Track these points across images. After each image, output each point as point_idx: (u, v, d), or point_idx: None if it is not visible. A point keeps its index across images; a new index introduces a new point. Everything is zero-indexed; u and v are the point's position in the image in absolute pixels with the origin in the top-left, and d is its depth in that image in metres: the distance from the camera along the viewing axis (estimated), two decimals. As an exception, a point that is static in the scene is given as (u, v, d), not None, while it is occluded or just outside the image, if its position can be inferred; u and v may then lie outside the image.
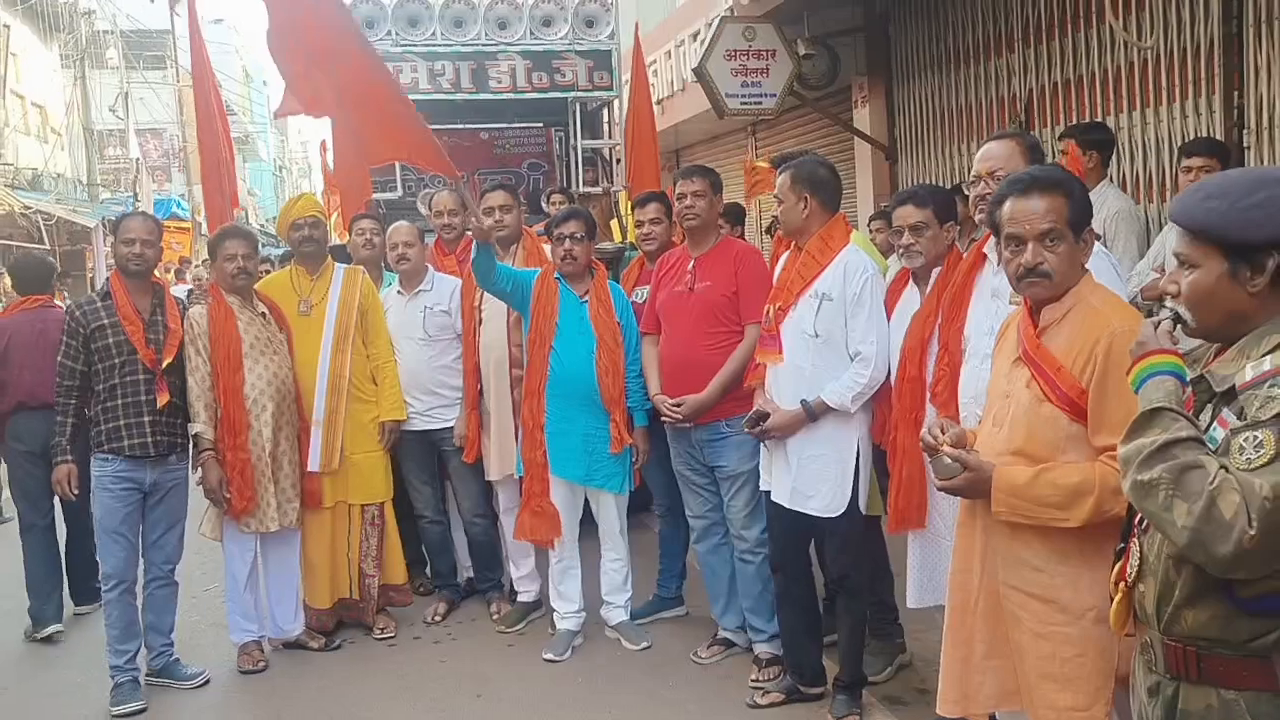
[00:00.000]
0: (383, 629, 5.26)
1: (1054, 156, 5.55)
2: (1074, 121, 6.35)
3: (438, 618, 5.42)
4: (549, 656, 4.85)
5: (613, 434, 4.78)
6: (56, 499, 5.19)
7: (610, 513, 4.95)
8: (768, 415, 3.95)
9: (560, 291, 4.84)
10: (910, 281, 3.88)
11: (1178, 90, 5.52)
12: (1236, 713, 1.81)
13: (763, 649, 4.53)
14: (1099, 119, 5.94)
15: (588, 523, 5.05)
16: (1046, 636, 2.42)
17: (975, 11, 7.19)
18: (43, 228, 18.31)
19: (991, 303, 3.26)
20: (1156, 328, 1.99)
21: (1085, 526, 2.35)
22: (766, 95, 8.08)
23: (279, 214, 5.64)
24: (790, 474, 3.96)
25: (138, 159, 26.38)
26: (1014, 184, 2.53)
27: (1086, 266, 2.56)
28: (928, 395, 3.52)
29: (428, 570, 5.82)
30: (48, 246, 18.91)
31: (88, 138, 23.30)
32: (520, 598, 5.38)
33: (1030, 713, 2.52)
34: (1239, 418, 1.79)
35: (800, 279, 3.91)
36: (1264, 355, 1.81)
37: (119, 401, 4.59)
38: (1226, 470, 1.73)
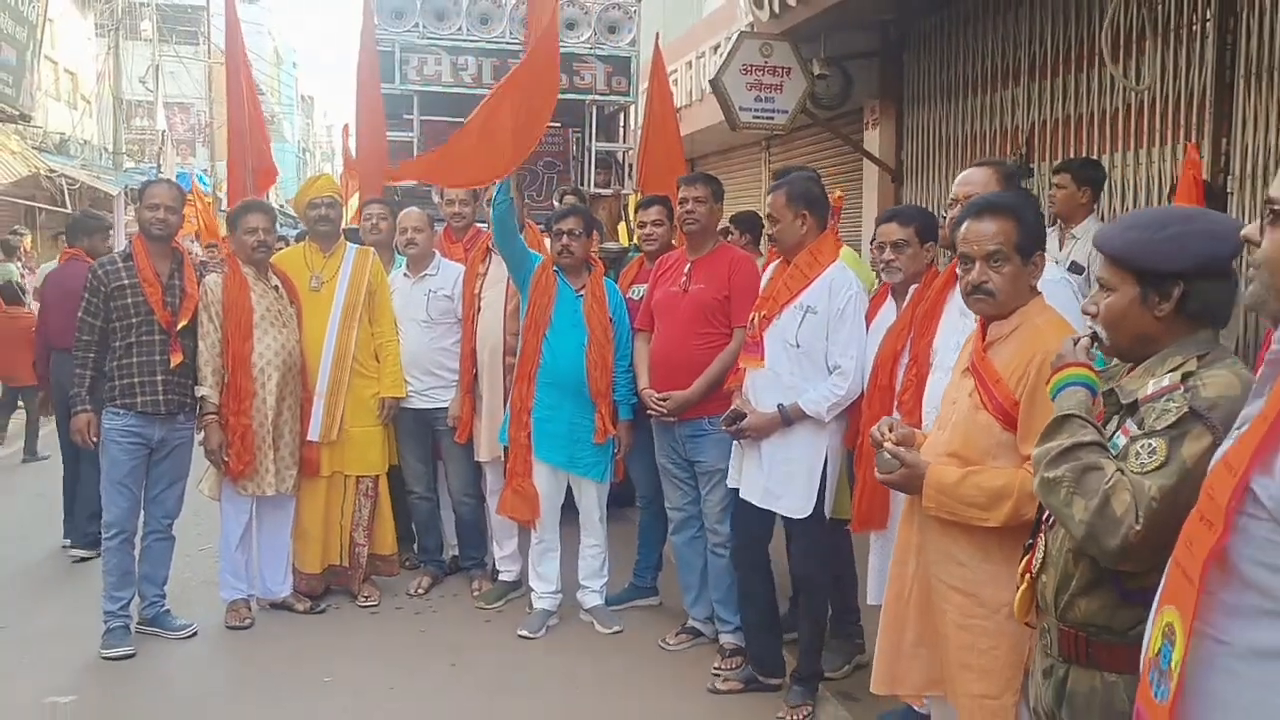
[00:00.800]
0: (367, 597, 5.47)
1: (1049, 188, 5.76)
2: (1071, 156, 6.53)
3: (421, 590, 5.62)
4: (523, 633, 5.05)
5: (597, 424, 4.99)
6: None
7: (590, 500, 5.15)
8: (744, 415, 4.14)
9: (558, 283, 5.04)
10: (890, 296, 4.07)
11: (1169, 134, 5.70)
12: (1116, 694, 2.02)
13: (728, 639, 4.73)
14: (1094, 156, 6.12)
15: (570, 509, 5.24)
16: (967, 628, 2.62)
17: (985, 44, 7.36)
18: (66, 191, 18.57)
19: (960, 319, 3.43)
20: (1076, 344, 2.20)
21: (1006, 527, 2.54)
22: (779, 111, 8.21)
23: (298, 193, 5.84)
24: (763, 474, 4.15)
25: (163, 131, 26.64)
26: (971, 207, 2.74)
27: (1039, 289, 2.76)
28: (894, 401, 3.71)
29: (415, 546, 6.01)
30: (69, 209, 19.22)
31: (116, 107, 23.56)
32: (501, 576, 5.58)
33: (950, 699, 2.73)
34: (1139, 427, 2.00)
35: (787, 290, 4.11)
36: (1166, 374, 2.02)
37: (134, 359, 4.80)
38: (1122, 472, 1.93)
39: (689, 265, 4.76)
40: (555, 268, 5.06)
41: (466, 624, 5.25)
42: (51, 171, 18.16)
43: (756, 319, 4.18)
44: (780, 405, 4.07)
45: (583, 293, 5.05)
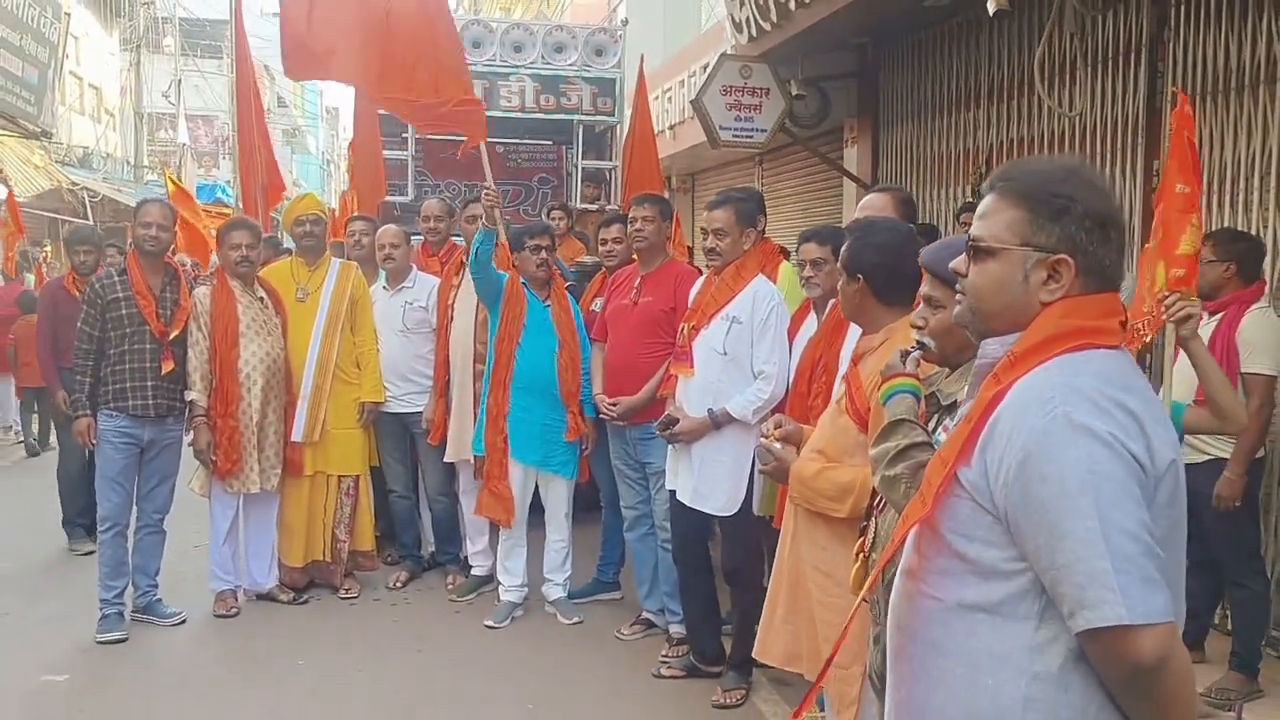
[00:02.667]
0: (347, 589, 5.82)
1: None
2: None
3: (398, 584, 5.97)
4: (489, 623, 5.39)
5: (569, 423, 5.34)
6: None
7: (558, 496, 5.49)
8: (677, 420, 4.47)
9: (527, 296, 5.39)
10: (812, 310, 4.38)
11: (1108, 155, 6.01)
12: None
13: (676, 629, 5.07)
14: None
15: (537, 509, 5.57)
16: (826, 605, 2.96)
17: (951, 67, 7.66)
18: (88, 204, 19.11)
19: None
20: (905, 356, 2.55)
21: (855, 517, 2.88)
22: (758, 130, 8.51)
23: (285, 211, 6.21)
24: (693, 475, 4.48)
25: (184, 144, 27.21)
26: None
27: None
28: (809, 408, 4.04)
29: (396, 542, 6.34)
30: (91, 222, 19.76)
31: (138, 120, 24.14)
32: (474, 571, 5.93)
33: (810, 673, 3.07)
34: (955, 425, 2.33)
35: (714, 303, 4.44)
36: None
37: (126, 366, 5.17)
38: None
39: (639, 280, 5.10)
40: (522, 280, 5.39)
41: (437, 615, 5.60)
42: (74, 185, 18.73)
43: (686, 329, 4.52)
44: (710, 410, 4.39)
45: (549, 303, 5.40)
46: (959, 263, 1.86)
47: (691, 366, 4.47)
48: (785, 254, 5.47)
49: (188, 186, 25.98)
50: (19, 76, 15.69)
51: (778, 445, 3.11)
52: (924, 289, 2.54)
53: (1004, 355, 1.77)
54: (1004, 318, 1.81)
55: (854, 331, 3.80)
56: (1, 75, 15.04)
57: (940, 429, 2.40)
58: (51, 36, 16.64)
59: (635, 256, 5.28)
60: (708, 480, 4.45)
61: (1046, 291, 1.75)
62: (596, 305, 5.58)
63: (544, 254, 5.40)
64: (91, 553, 6.14)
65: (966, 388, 2.36)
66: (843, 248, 3.07)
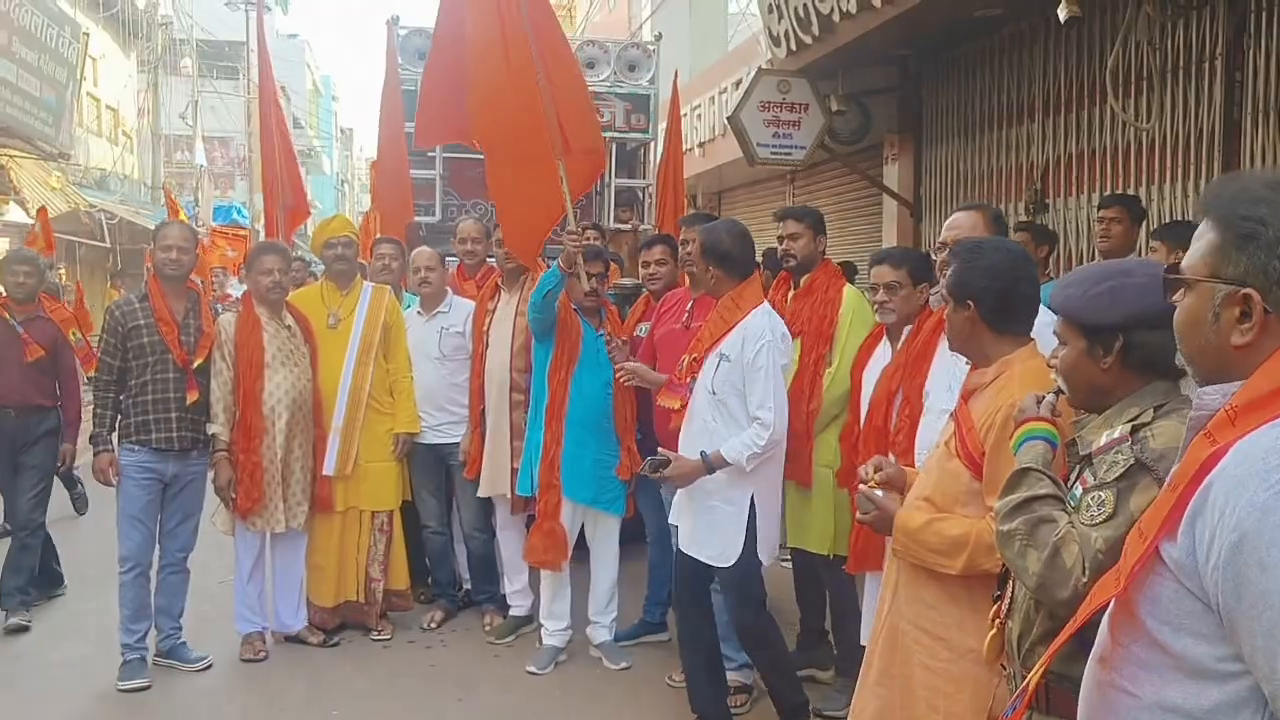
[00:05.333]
0: (380, 630, 5.54)
1: (1087, 224, 5.69)
2: (1085, 193, 6.55)
3: (433, 624, 5.69)
4: (531, 669, 5.10)
5: (624, 459, 5.09)
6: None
7: (607, 535, 5.22)
8: (669, 462, 4.14)
9: (582, 325, 5.12)
10: (885, 337, 4.12)
11: (1180, 171, 5.71)
12: None
13: (733, 676, 4.72)
14: (1110, 192, 6.12)
15: (580, 545, 5.29)
16: (934, 670, 2.65)
17: (1000, 80, 7.41)
18: (105, 226, 18.96)
19: (951, 361, 3.46)
20: (1040, 400, 2.25)
21: (969, 575, 2.57)
22: (797, 147, 8.31)
23: (314, 232, 5.97)
24: (691, 519, 4.19)
25: (200, 165, 27.14)
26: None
27: (1032, 336, 2.78)
28: (888, 443, 3.75)
29: (429, 580, 6.08)
30: (109, 245, 19.62)
31: (155, 142, 24.06)
32: (512, 611, 5.64)
33: None
34: (1094, 479, 2.04)
35: (709, 336, 4.15)
36: (1120, 425, 2.05)
37: (149, 397, 4.93)
38: (1073, 525, 1.97)
39: (691, 303, 4.83)
40: (575, 308, 5.12)
41: (476, 659, 5.31)
42: (91, 206, 18.56)
43: (686, 362, 4.22)
44: (703, 452, 4.06)
45: (603, 332, 5.14)
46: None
47: (681, 400, 4.19)
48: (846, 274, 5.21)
49: (204, 209, 26.06)
50: (37, 97, 15.54)
51: (879, 493, 2.80)
52: (1054, 327, 2.25)
53: (1222, 408, 1.47)
54: (1204, 363, 1.55)
55: (941, 363, 3.57)
56: (19, 96, 14.88)
57: (1079, 483, 2.10)
58: (70, 57, 16.51)
59: (686, 279, 5.00)
60: (703, 528, 4.14)
61: (1238, 333, 1.48)
62: (642, 330, 5.32)
63: (594, 281, 5.12)
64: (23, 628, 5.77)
65: (1104, 436, 2.08)
66: (950, 271, 2.77)
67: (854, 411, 4.24)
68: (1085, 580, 1.90)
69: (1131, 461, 1.94)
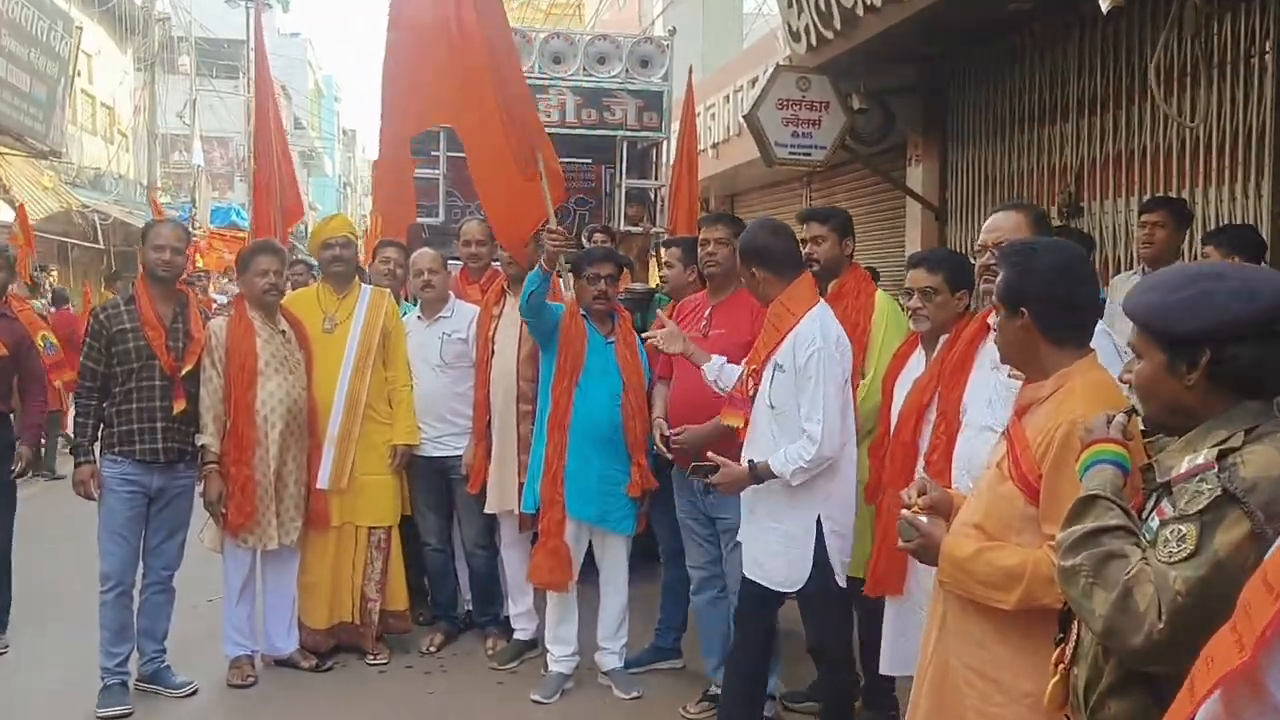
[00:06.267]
0: (376, 654, 5.37)
1: (1125, 229, 5.53)
2: (1123, 196, 6.38)
3: (433, 648, 5.53)
4: (536, 698, 4.93)
5: (634, 476, 4.89)
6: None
7: (615, 555, 5.04)
8: (717, 468, 3.96)
9: (588, 331, 4.96)
10: (919, 345, 3.95)
11: (1227, 172, 5.53)
12: None
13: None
14: (1147, 195, 5.96)
15: (588, 566, 5.13)
16: (987, 716, 2.45)
17: (1032, 79, 7.26)
18: (99, 227, 18.84)
19: (991, 374, 3.31)
20: (1111, 420, 2.06)
21: (1026, 610, 2.38)
22: (817, 147, 8.17)
23: (311, 232, 5.81)
24: (753, 543, 4.01)
25: (199, 165, 27.06)
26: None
27: (1093, 346, 2.59)
28: (920, 462, 3.58)
29: (429, 600, 5.91)
30: (102, 246, 19.51)
31: (151, 141, 23.97)
32: (516, 635, 5.48)
33: None
34: (1173, 509, 1.84)
35: (765, 346, 3.97)
36: (1205, 449, 1.86)
37: (134, 405, 4.78)
38: (1147, 561, 1.78)
39: (709, 310, 4.67)
40: (582, 313, 4.98)
41: (479, 686, 5.13)
42: (84, 207, 18.44)
43: (745, 372, 4.05)
44: (751, 461, 3.90)
45: (613, 339, 4.98)
46: None
47: (744, 417, 4.00)
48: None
49: (201, 211, 25.97)
50: (26, 92, 15.42)
51: (923, 519, 2.60)
52: (1130, 337, 2.05)
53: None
54: None
55: (980, 375, 3.39)
56: (7, 90, 14.75)
57: (1155, 513, 1.91)
58: (62, 51, 16.40)
59: (706, 283, 4.84)
60: (765, 549, 3.96)
61: None
62: (661, 338, 5.11)
63: (604, 284, 4.96)
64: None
65: (1186, 461, 1.89)
66: (1002, 276, 2.58)
67: (883, 424, 4.07)
68: (1161, 627, 1.71)
69: (1218, 492, 1.74)
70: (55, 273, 15.29)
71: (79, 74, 19.03)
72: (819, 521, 3.87)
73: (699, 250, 4.71)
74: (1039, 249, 2.58)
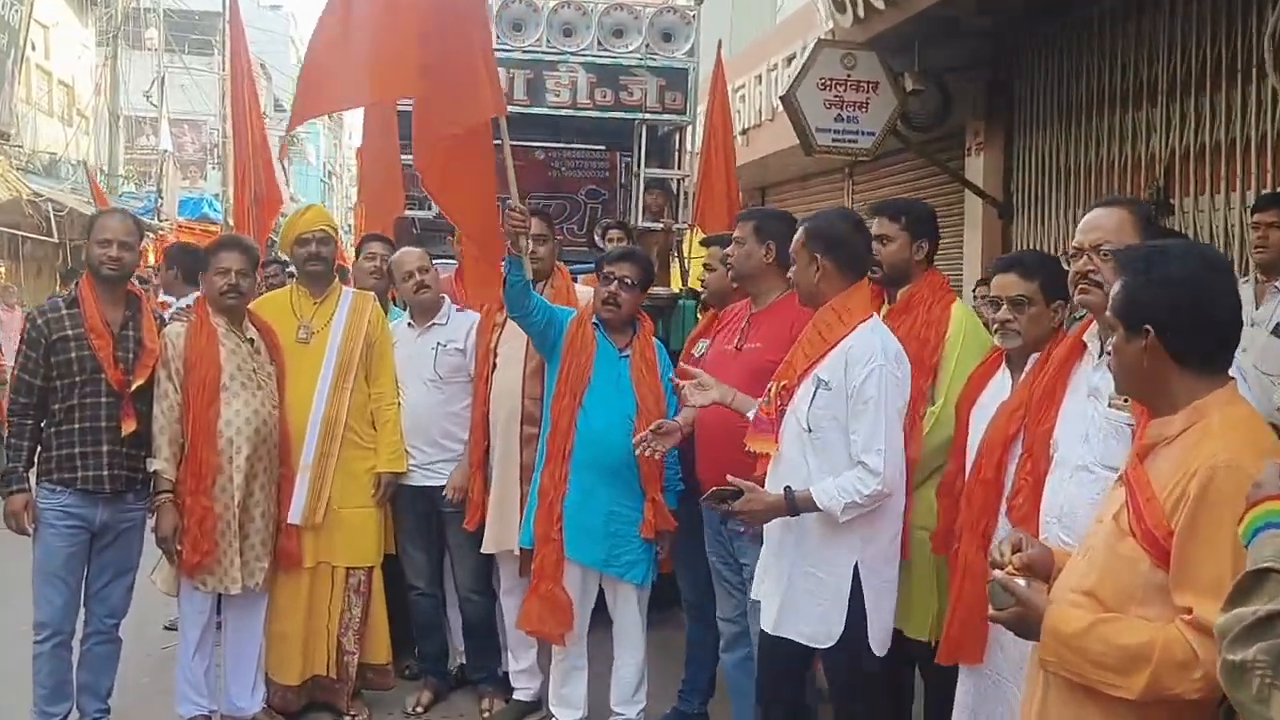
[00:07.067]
0: (354, 715, 5.24)
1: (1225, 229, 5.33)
2: (1222, 192, 6.19)
3: (419, 708, 5.40)
4: (540, 770, 4.78)
5: (646, 516, 4.72)
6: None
7: (629, 607, 4.87)
8: (740, 493, 3.73)
9: (598, 341, 4.80)
10: (1004, 364, 3.76)
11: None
12: None
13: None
14: (1259, 191, 5.76)
15: (599, 614, 4.98)
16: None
17: (1113, 57, 7.17)
18: (53, 218, 18.74)
19: (1087, 403, 3.13)
20: None
21: (1152, 701, 2.16)
22: (863, 133, 8.10)
23: (284, 226, 5.72)
24: (780, 588, 3.77)
25: (165, 150, 27.06)
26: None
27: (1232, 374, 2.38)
28: (1002, 505, 3.40)
29: (415, 652, 5.77)
30: (56, 239, 19.40)
31: (114, 124, 23.97)
32: (516, 695, 5.33)
33: None
34: None
35: (805, 357, 3.76)
36: None
37: (75, 426, 4.62)
38: None
39: (747, 319, 4.49)
40: (595, 320, 4.82)
41: (472, 755, 4.98)
42: (36, 195, 18.36)
43: (774, 390, 3.82)
44: (788, 488, 3.67)
45: (628, 353, 4.82)
46: None
47: (776, 441, 3.78)
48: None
49: (168, 202, 25.94)
50: (-31, 66, 15.35)
51: (1020, 582, 2.35)
52: None
53: None
54: None
55: (1074, 405, 3.19)
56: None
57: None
58: (12, 20, 16.30)
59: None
60: (797, 596, 3.73)
61: None
62: (700, 349, 4.92)
63: (615, 286, 4.79)
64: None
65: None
66: (1119, 286, 2.34)
67: (957, 458, 3.86)
68: None
69: None
70: (3, 270, 15.17)
71: (32, 47, 18.96)
72: (856, 570, 3.67)
73: (736, 247, 4.50)
74: (1169, 254, 2.35)
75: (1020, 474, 3.30)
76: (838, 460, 3.65)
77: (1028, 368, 3.57)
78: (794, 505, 3.64)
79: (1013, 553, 2.45)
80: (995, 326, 3.70)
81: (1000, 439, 3.48)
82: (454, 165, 4.90)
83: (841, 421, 3.64)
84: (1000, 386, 3.71)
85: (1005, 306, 3.61)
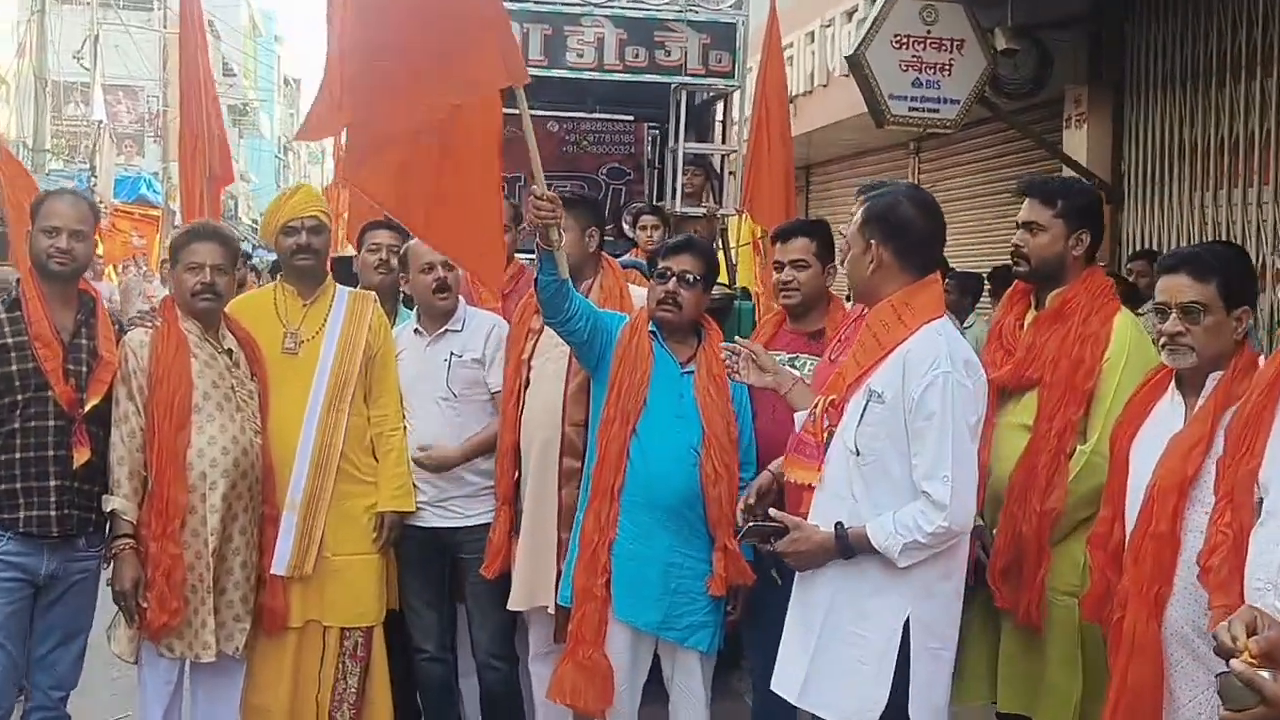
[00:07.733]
0: (348, 807, 5.22)
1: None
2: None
3: (428, 800, 5.37)
4: None
5: (715, 568, 4.62)
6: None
7: (690, 680, 4.77)
8: (785, 531, 3.68)
9: (655, 354, 4.70)
10: (1171, 387, 3.61)
11: None
12: None
13: None
14: None
15: (651, 683, 4.89)
16: None
17: (1243, 12, 7.18)
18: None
19: None
20: None
21: None
22: (946, 100, 8.14)
23: (267, 210, 5.72)
24: (808, 651, 3.70)
25: (99, 121, 27.17)
26: None
27: None
28: (1177, 561, 3.30)
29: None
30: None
31: (39, 90, 24.03)
32: (548, 783, 5.27)
33: None
34: None
35: (856, 365, 3.70)
36: None
37: (17, 455, 4.57)
38: None
39: (852, 323, 4.38)
40: (652, 328, 4.72)
41: None
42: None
43: (822, 405, 3.75)
44: (839, 525, 3.59)
45: (692, 368, 4.73)
46: None
47: (819, 467, 3.71)
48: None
49: (102, 179, 25.94)
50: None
51: (1265, 674, 2.17)
52: None
53: None
54: None
55: None
56: None
57: None
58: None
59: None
60: (830, 663, 3.66)
61: None
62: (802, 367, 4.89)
63: (674, 283, 4.70)
64: None
65: None
66: None
67: (1112, 503, 3.72)
68: None
69: None
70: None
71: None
72: (906, 628, 3.59)
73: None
74: None
75: (1216, 526, 3.13)
76: (890, 491, 3.60)
77: (1205, 390, 3.45)
78: (846, 546, 3.59)
79: (1248, 635, 2.27)
80: (1162, 341, 3.57)
81: (1176, 482, 3.36)
82: (422, 161, 4.77)
83: (898, 442, 3.59)
84: (1168, 415, 3.58)
85: (1174, 315, 3.47)
